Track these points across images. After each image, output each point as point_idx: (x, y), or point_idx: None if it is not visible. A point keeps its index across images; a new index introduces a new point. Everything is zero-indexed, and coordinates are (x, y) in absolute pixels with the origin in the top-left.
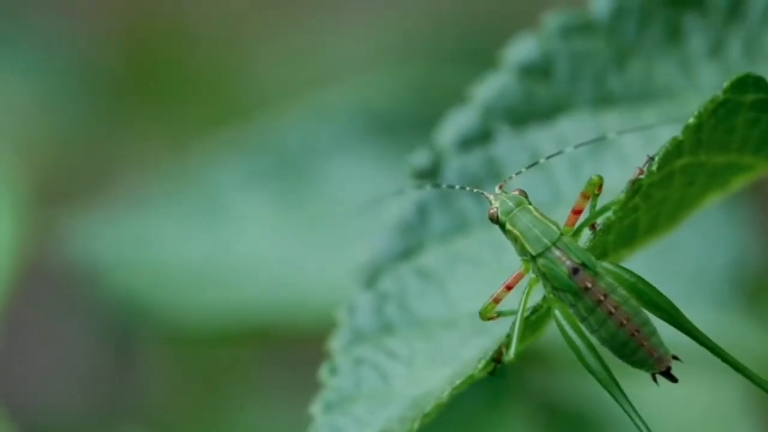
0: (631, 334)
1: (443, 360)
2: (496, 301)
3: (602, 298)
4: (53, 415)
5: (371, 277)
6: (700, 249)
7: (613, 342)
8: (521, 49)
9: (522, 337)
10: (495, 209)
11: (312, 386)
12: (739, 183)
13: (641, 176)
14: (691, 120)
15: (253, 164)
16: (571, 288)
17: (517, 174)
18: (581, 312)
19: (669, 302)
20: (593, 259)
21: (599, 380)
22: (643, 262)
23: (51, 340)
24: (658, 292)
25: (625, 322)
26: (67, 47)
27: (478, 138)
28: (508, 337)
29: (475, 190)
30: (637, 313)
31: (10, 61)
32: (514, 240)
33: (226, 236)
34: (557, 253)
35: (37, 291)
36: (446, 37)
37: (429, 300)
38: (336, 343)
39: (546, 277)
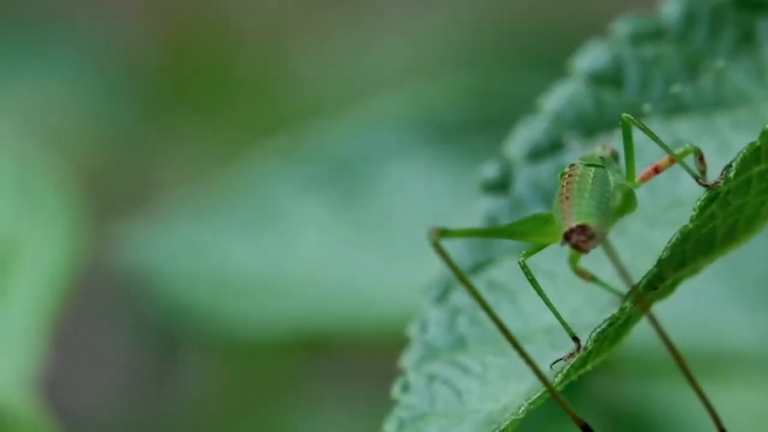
0: (560, 201)
1: (518, 375)
2: None
3: (569, 178)
4: (102, 421)
5: (442, 292)
6: (764, 257)
7: (557, 199)
8: (591, 56)
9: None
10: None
11: (368, 396)
12: None
13: (720, 184)
14: None
15: (309, 171)
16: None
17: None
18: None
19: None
20: (587, 169)
21: None
22: (708, 268)
23: (104, 348)
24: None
25: (565, 190)
26: (111, 55)
27: (549, 148)
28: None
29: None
30: (578, 188)
31: (55, 69)
32: None
33: (281, 244)
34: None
35: (91, 300)
36: (489, 42)
37: (502, 314)
38: (408, 360)
39: None
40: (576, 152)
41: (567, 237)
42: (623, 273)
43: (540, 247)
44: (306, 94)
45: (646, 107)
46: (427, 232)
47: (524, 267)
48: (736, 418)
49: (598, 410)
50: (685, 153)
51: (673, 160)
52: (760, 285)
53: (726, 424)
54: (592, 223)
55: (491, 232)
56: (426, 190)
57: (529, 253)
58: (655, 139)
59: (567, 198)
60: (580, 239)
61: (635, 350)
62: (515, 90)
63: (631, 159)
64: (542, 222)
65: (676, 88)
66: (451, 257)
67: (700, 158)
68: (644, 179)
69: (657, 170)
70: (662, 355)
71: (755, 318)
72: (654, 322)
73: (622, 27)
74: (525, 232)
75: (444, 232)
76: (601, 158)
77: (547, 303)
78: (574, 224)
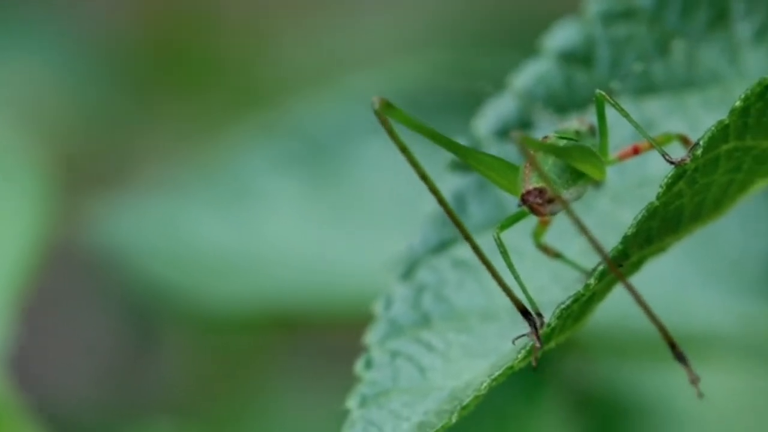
0: (524, 166)
1: (482, 352)
2: None
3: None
4: (75, 401)
5: (408, 269)
6: (739, 238)
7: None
8: (562, 35)
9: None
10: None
11: (340, 373)
12: None
13: (687, 161)
14: (738, 103)
15: (282, 149)
16: None
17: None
18: None
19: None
20: (559, 140)
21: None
22: (681, 249)
23: (75, 326)
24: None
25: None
26: (91, 33)
27: (518, 126)
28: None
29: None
30: (543, 155)
31: (34, 47)
32: None
33: (254, 222)
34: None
35: (62, 277)
36: (471, 21)
37: (467, 291)
38: (372, 336)
39: None
40: (546, 128)
41: (524, 198)
42: (590, 239)
43: (514, 220)
44: (286, 73)
45: (615, 84)
46: (371, 100)
47: (497, 239)
48: (711, 401)
49: (569, 392)
50: (668, 139)
51: (650, 146)
52: (736, 267)
53: (700, 407)
54: (550, 187)
55: (446, 141)
56: (400, 169)
57: (503, 227)
58: (627, 116)
59: (527, 167)
60: (536, 201)
61: (606, 332)
62: (494, 69)
63: (605, 136)
64: (508, 166)
65: (639, 67)
66: (393, 128)
67: (684, 140)
68: (622, 157)
69: (636, 151)
70: (633, 338)
71: (730, 300)
72: (630, 288)
73: (593, 6)
74: (487, 164)
75: (389, 106)
76: (577, 132)
77: (516, 277)
78: (531, 186)
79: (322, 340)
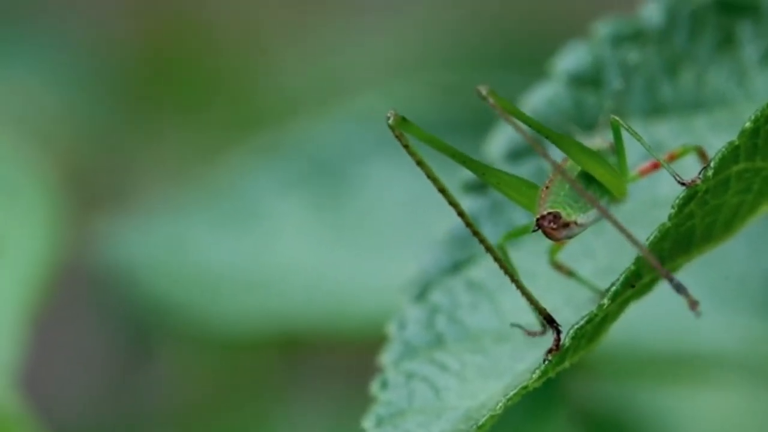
0: (542, 190)
1: (496, 373)
2: None
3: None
4: (80, 416)
5: (421, 291)
6: (744, 255)
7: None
8: (571, 58)
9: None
10: None
11: (345, 394)
12: None
13: (697, 182)
14: (748, 124)
15: (289, 169)
16: None
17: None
18: None
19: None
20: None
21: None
22: (685, 268)
23: (80, 343)
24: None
25: (548, 180)
26: (91, 51)
27: (529, 148)
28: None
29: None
30: (561, 178)
31: (33, 65)
32: None
33: (261, 242)
34: None
35: (68, 295)
36: (475, 41)
37: (480, 313)
38: (387, 357)
39: None
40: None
41: (539, 223)
42: (629, 237)
43: (520, 232)
44: (287, 92)
45: (608, 104)
46: (386, 115)
47: (501, 247)
48: (712, 418)
49: (576, 412)
50: (685, 152)
51: (673, 157)
52: (739, 286)
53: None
54: (564, 212)
55: (464, 157)
56: (406, 189)
57: (509, 236)
58: (640, 139)
59: (547, 187)
60: (550, 226)
61: (611, 352)
62: (497, 89)
63: (623, 156)
64: (527, 185)
65: (619, 84)
66: (409, 143)
67: (701, 153)
68: (643, 173)
69: (656, 166)
70: (638, 357)
71: (733, 319)
72: (668, 276)
73: (602, 28)
74: (506, 182)
75: (404, 121)
76: (598, 151)
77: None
78: (545, 211)
79: (327, 360)
